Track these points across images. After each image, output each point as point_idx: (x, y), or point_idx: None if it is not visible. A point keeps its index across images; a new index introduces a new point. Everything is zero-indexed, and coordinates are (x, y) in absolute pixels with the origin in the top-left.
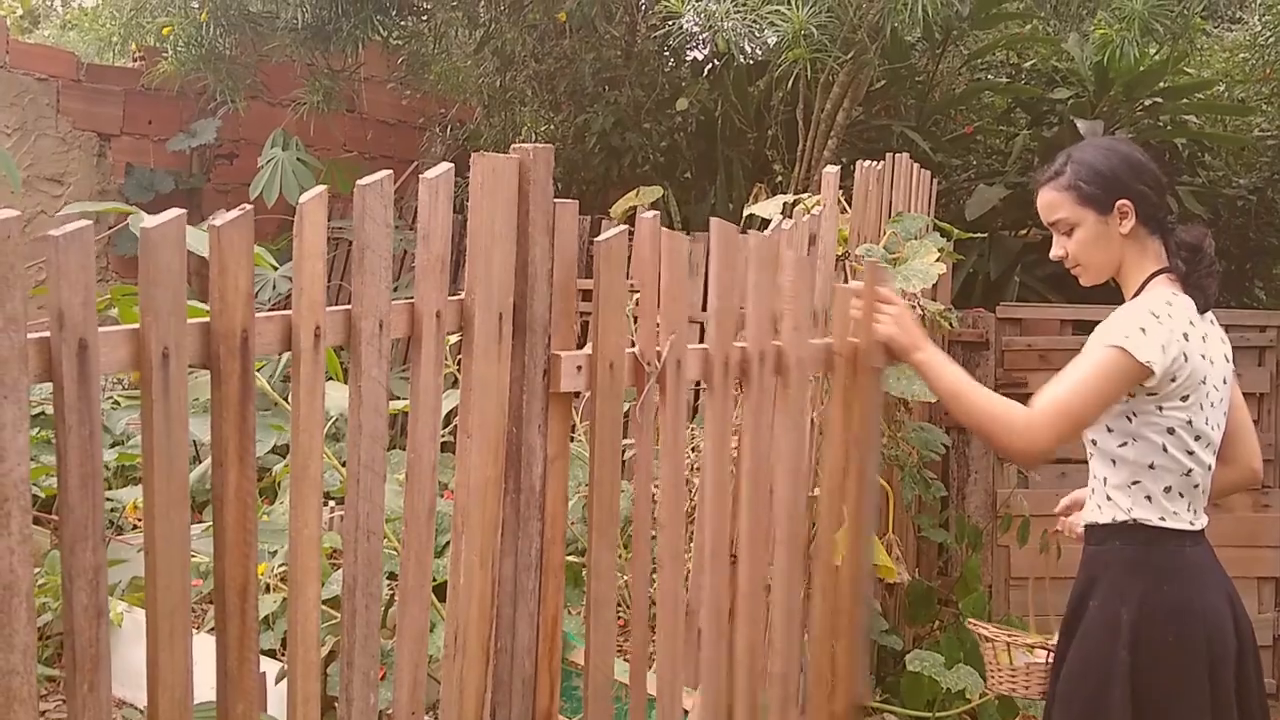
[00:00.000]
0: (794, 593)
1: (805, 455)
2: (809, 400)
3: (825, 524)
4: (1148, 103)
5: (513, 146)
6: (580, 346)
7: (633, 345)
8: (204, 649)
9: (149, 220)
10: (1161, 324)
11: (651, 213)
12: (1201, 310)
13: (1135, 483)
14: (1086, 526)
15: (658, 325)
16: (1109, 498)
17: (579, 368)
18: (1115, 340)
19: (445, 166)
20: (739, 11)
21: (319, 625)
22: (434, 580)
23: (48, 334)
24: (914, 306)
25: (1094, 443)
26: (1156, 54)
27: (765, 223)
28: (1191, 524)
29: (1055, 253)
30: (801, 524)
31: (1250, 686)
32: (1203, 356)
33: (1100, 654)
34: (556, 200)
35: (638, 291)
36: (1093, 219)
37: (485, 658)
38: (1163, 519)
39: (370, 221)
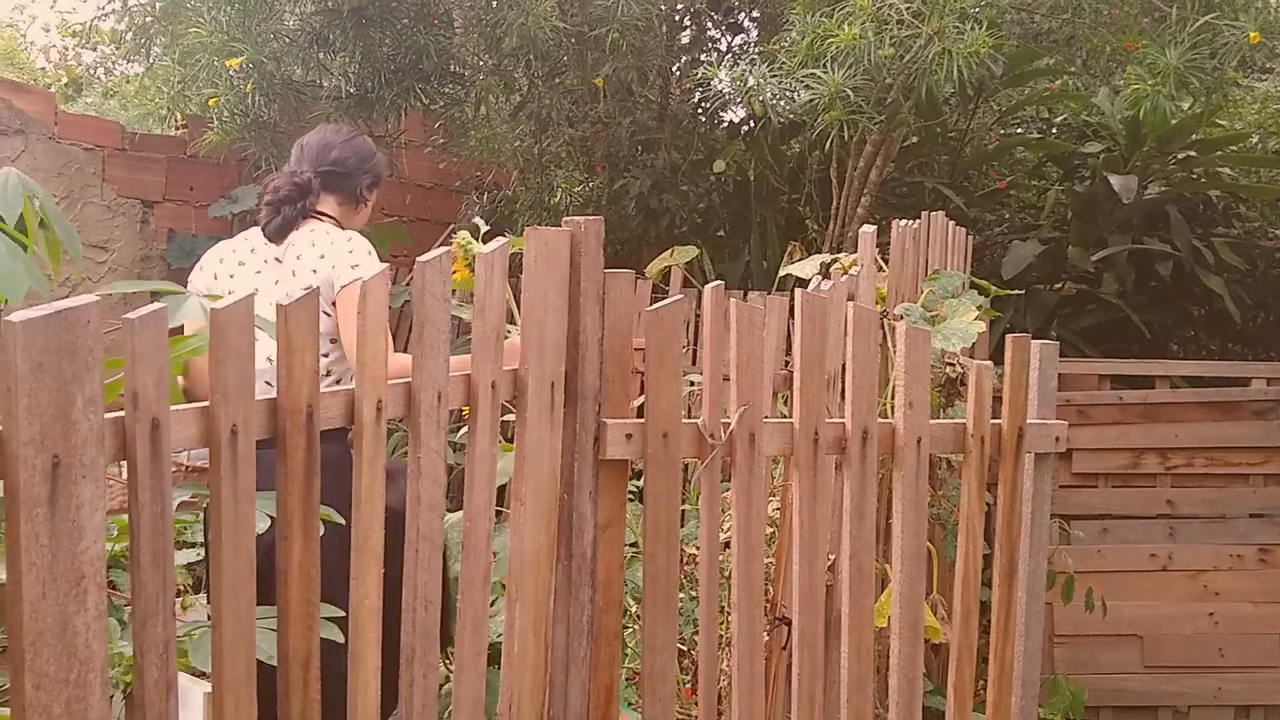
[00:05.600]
0: (914, 687)
1: (924, 543)
2: (926, 486)
3: (961, 637)
4: (1181, 156)
5: (564, 220)
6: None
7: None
8: None
9: (218, 302)
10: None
11: (714, 284)
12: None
13: None
14: None
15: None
16: None
17: (629, 436)
18: None
19: (500, 241)
20: (775, 76)
21: (378, 695)
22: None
23: (122, 414)
24: (952, 365)
25: None
26: (1190, 107)
27: (801, 282)
28: None
29: None
30: (921, 615)
31: None
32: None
33: None
34: (609, 270)
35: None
36: None
37: None
38: None
39: (430, 296)
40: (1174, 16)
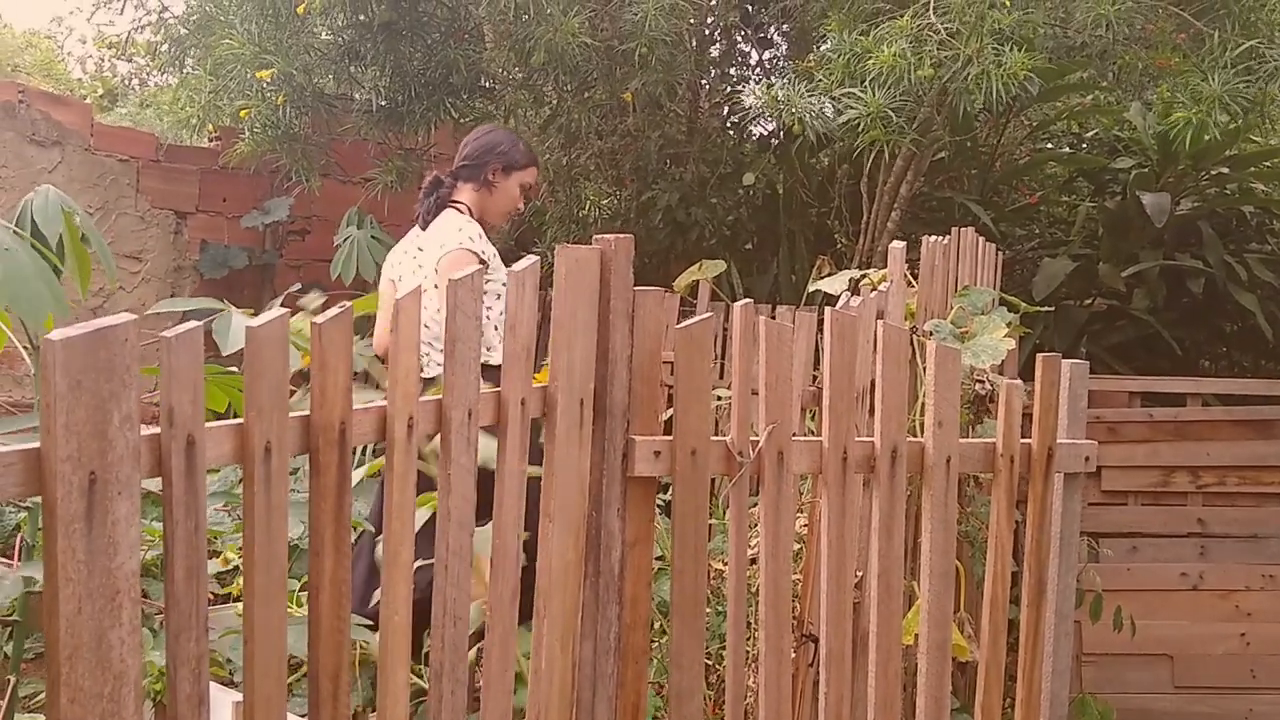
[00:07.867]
0: (941, 705)
1: (953, 562)
2: (955, 504)
3: (989, 656)
4: (1214, 171)
5: (595, 237)
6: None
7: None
8: None
9: (254, 320)
10: None
11: (743, 301)
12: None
13: None
14: None
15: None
16: None
17: (657, 453)
18: None
19: (531, 259)
20: (811, 94)
21: (408, 709)
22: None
23: (158, 430)
24: (981, 381)
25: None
26: (1225, 124)
27: (830, 298)
28: None
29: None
30: (949, 633)
31: None
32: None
33: None
34: (639, 288)
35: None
36: None
37: None
38: None
39: (461, 315)
40: (1215, 40)
